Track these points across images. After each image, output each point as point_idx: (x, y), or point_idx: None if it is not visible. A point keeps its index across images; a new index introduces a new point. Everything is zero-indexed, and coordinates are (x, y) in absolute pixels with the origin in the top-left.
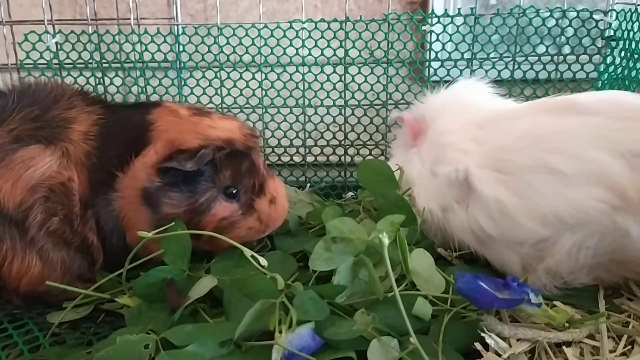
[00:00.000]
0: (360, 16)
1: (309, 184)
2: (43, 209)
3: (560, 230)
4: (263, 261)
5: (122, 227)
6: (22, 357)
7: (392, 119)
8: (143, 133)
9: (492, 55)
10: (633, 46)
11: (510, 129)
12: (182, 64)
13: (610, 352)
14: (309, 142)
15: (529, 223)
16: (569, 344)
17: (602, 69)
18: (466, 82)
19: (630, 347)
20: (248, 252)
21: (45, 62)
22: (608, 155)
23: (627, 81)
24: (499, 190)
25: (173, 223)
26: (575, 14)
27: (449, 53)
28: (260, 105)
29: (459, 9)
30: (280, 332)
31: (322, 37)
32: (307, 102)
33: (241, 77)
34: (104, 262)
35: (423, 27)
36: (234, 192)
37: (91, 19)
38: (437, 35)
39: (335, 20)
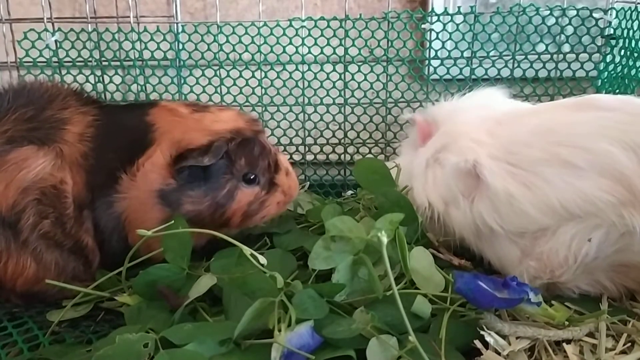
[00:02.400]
0: (360, 14)
1: (308, 183)
2: (35, 211)
3: (564, 220)
4: (262, 259)
5: (124, 229)
6: (21, 356)
7: (404, 119)
8: (144, 135)
9: (491, 53)
10: (633, 45)
11: (525, 122)
12: (182, 62)
13: (610, 350)
14: (309, 140)
15: (535, 213)
16: (568, 342)
17: (601, 68)
18: (485, 90)
19: (629, 345)
20: (247, 251)
21: (44, 60)
22: (618, 149)
23: (626, 80)
24: (509, 183)
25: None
26: (575, 12)
27: (449, 51)
28: (259, 104)
29: (459, 7)
30: (280, 331)
31: (322, 35)
32: (306, 101)
33: (241, 76)
34: (102, 263)
35: (423, 26)
36: (252, 177)
37: (90, 17)
38: (437, 33)
39: (335, 18)
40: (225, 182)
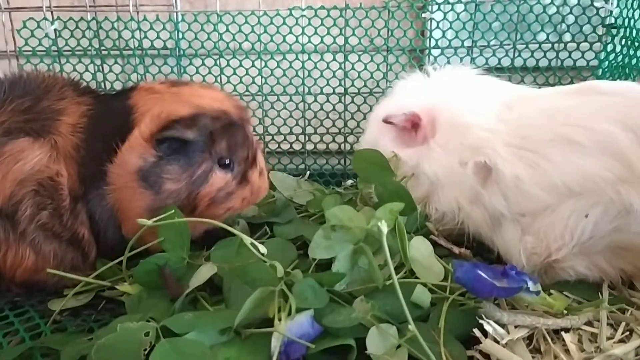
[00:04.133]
0: (360, 3)
1: (308, 172)
2: (32, 202)
3: (564, 197)
4: (263, 249)
5: (117, 220)
6: (23, 344)
7: (396, 118)
8: (126, 119)
9: (492, 42)
10: (634, 34)
11: (534, 105)
12: (182, 52)
13: (608, 339)
14: (309, 129)
15: (539, 192)
16: (567, 330)
17: (602, 57)
18: (457, 68)
19: (628, 334)
20: (247, 240)
21: (44, 49)
22: (620, 129)
23: (627, 69)
24: (517, 166)
25: (172, 210)
26: (576, 1)
27: (449, 41)
28: (259, 93)
29: None
30: (280, 320)
31: (322, 24)
32: (306, 90)
33: (241, 65)
34: (100, 254)
35: (423, 15)
36: (227, 162)
37: (90, 6)
38: (438, 22)
39: (335, 7)
40: (201, 160)
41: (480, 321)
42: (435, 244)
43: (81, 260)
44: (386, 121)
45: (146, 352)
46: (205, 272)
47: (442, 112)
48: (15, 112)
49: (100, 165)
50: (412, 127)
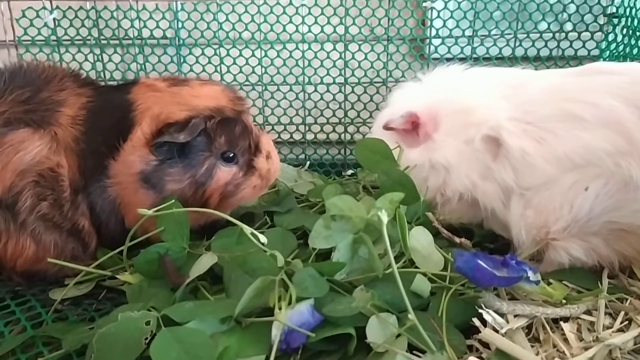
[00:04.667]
0: None
1: (308, 162)
2: (33, 193)
3: (567, 170)
4: (263, 238)
5: (120, 212)
6: (24, 333)
7: (396, 122)
8: (126, 114)
9: (493, 32)
10: (635, 23)
11: (536, 84)
12: (181, 41)
13: (607, 328)
14: (309, 119)
15: (544, 165)
16: (566, 319)
17: (603, 47)
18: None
19: (627, 323)
20: (248, 230)
21: (43, 38)
22: (622, 104)
23: (628, 59)
24: (523, 140)
25: (173, 200)
26: None
27: (450, 30)
28: (259, 83)
29: None
30: (280, 309)
31: (322, 13)
32: (306, 80)
33: (240, 54)
34: (100, 244)
35: (424, 4)
36: (231, 155)
37: None
38: (439, 11)
39: None
40: (203, 159)
41: (480, 310)
42: (435, 234)
43: (81, 251)
44: (387, 127)
45: (147, 341)
46: (205, 261)
47: (442, 105)
48: (16, 102)
49: (100, 159)
50: (413, 127)
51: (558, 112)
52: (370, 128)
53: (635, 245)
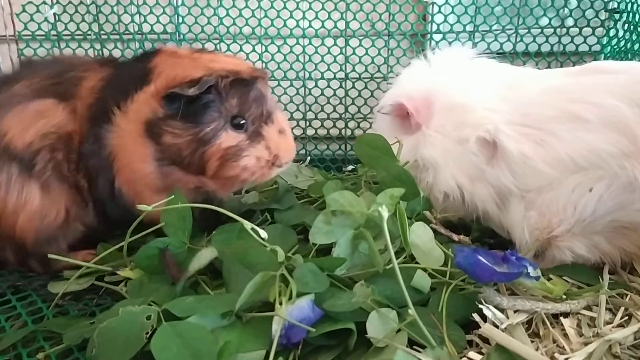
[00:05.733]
0: None
1: (309, 157)
2: (50, 149)
3: (570, 172)
4: (263, 233)
5: (111, 169)
6: (25, 328)
7: (385, 108)
8: (144, 78)
9: (494, 27)
10: (637, 19)
11: (535, 85)
12: (182, 36)
13: (607, 323)
14: (310, 115)
15: (546, 168)
16: (566, 315)
17: (605, 42)
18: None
19: (627, 319)
20: (248, 225)
21: (43, 33)
22: (625, 104)
23: (629, 54)
24: (523, 143)
25: (174, 193)
26: None
27: (451, 25)
28: None
29: None
30: (281, 304)
31: (323, 8)
32: (307, 75)
33: (241, 49)
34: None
35: None
36: (241, 122)
37: None
38: (440, 7)
39: None
40: (211, 119)
41: (480, 306)
42: (435, 231)
43: (83, 207)
44: (379, 112)
45: (148, 336)
46: (206, 255)
47: (439, 96)
48: (45, 77)
49: (106, 110)
50: (407, 115)
51: (560, 113)
52: (371, 124)
53: (637, 242)
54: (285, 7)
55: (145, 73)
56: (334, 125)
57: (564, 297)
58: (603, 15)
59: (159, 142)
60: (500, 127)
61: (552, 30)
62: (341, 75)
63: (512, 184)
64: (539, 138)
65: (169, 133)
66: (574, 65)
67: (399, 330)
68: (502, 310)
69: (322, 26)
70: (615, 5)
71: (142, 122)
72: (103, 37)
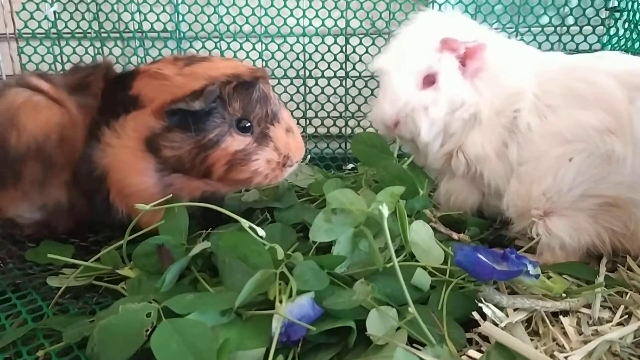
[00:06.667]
0: None
1: (309, 156)
2: (57, 139)
3: (555, 145)
4: (261, 232)
5: (106, 183)
6: (25, 326)
7: (450, 41)
8: (131, 102)
9: (495, 25)
10: (637, 17)
11: (557, 61)
12: (182, 34)
13: (607, 322)
14: (310, 113)
15: (539, 140)
16: (565, 313)
17: (605, 41)
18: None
19: (626, 317)
20: (246, 224)
21: (43, 31)
22: (616, 83)
23: (630, 53)
24: (532, 116)
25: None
26: None
27: None
28: None
29: None
30: (281, 302)
31: (323, 7)
32: (307, 73)
33: (241, 48)
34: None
35: None
36: (247, 125)
37: None
38: (440, 5)
39: None
40: (214, 126)
41: (480, 304)
42: (434, 229)
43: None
44: (447, 43)
45: (148, 333)
46: (200, 246)
47: (495, 58)
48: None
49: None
50: (466, 57)
51: (567, 90)
52: (371, 122)
53: (623, 219)
54: (285, 5)
55: (130, 104)
56: (334, 124)
57: (564, 295)
58: (603, 13)
59: (159, 155)
60: (529, 101)
61: (552, 28)
62: (341, 73)
63: (515, 160)
64: (542, 114)
65: (168, 147)
66: None
67: (398, 328)
68: (501, 309)
69: (323, 24)
70: (616, 3)
71: (141, 137)
72: (103, 35)
